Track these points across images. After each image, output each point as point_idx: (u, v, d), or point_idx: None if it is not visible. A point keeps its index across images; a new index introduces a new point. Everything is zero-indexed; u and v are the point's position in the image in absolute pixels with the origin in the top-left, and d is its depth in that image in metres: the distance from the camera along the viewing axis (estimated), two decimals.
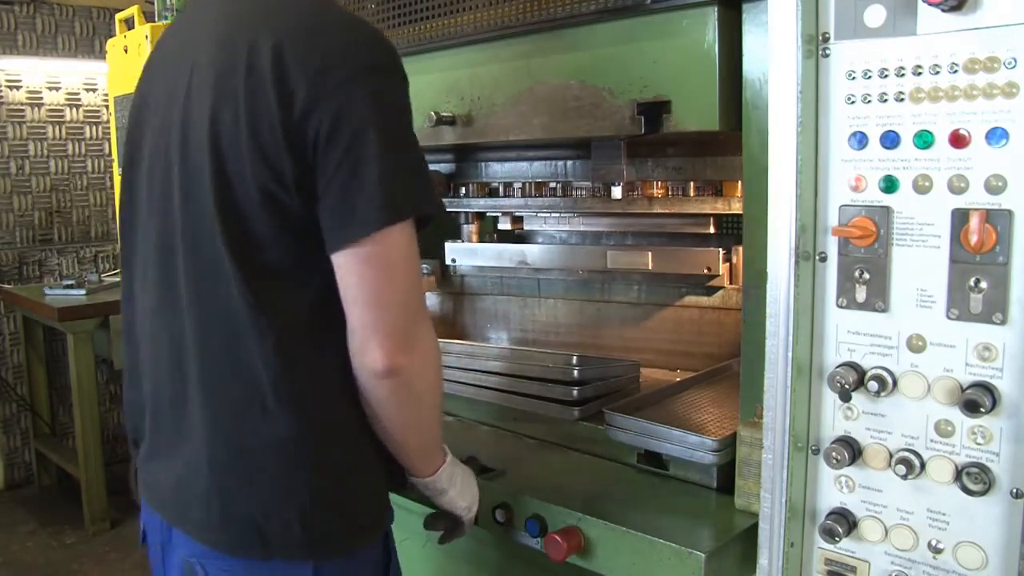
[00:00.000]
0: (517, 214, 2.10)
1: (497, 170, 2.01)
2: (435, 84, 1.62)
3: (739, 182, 1.63)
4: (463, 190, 2.07)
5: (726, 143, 1.59)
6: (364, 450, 1.16)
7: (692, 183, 1.74)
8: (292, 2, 1.11)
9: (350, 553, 1.16)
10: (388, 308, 1.06)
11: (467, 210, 2.11)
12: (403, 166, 1.05)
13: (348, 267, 1.05)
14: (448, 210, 2.12)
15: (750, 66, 1.20)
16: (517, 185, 1.99)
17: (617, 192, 1.78)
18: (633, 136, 1.41)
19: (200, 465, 1.12)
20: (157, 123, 1.17)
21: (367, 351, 1.06)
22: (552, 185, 1.94)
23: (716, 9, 1.22)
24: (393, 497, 1.47)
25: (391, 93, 1.06)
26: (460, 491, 1.31)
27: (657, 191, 1.79)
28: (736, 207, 1.65)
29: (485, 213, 2.15)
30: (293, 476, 1.10)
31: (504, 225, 2.15)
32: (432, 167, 2.06)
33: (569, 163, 1.88)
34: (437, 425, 1.25)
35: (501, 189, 2.03)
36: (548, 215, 2.04)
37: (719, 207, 1.70)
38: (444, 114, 1.58)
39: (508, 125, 1.52)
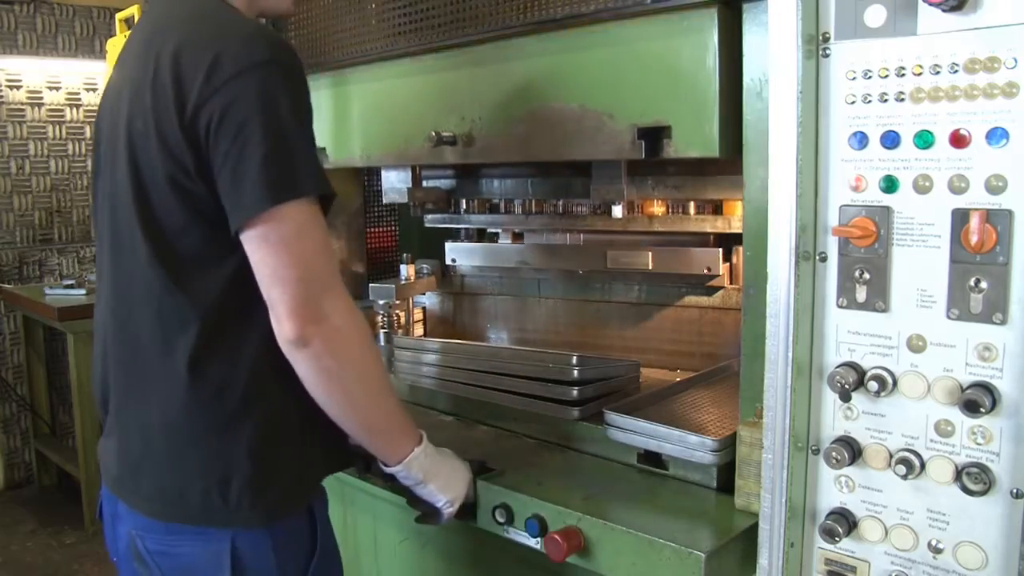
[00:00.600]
0: (518, 230, 2.10)
1: (498, 187, 2.01)
2: (436, 104, 1.62)
3: (739, 201, 1.63)
4: (463, 205, 2.07)
5: (727, 162, 1.59)
6: (288, 427, 1.22)
7: (692, 203, 1.74)
8: (195, 13, 1.20)
9: (267, 523, 1.21)
10: (292, 283, 1.12)
11: (467, 226, 2.11)
12: (285, 151, 1.12)
13: (250, 249, 1.13)
14: (448, 226, 2.13)
15: (750, 66, 1.19)
16: (518, 202, 1.99)
17: (618, 211, 1.78)
18: (634, 160, 1.41)
19: (133, 440, 1.24)
20: (105, 137, 1.27)
21: (280, 324, 1.13)
22: (552, 202, 1.94)
23: (716, 33, 1.22)
24: (392, 498, 1.47)
25: (276, 86, 1.12)
26: (443, 485, 1.32)
27: (657, 208, 1.79)
28: (736, 226, 1.66)
29: (486, 229, 2.15)
30: (211, 448, 1.19)
31: (505, 240, 2.15)
32: (432, 183, 2.06)
33: (570, 180, 1.87)
34: (383, 407, 1.26)
35: (502, 205, 2.03)
36: (548, 231, 2.03)
37: (719, 225, 1.70)
38: (445, 134, 1.58)
39: (508, 146, 1.52)
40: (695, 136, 1.27)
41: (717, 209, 1.71)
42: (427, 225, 2.15)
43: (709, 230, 1.73)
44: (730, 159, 1.25)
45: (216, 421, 1.18)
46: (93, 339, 1.37)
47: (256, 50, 1.12)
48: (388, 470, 1.30)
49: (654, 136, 1.32)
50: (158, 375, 1.20)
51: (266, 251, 1.12)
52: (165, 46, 1.14)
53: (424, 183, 2.02)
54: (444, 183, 2.07)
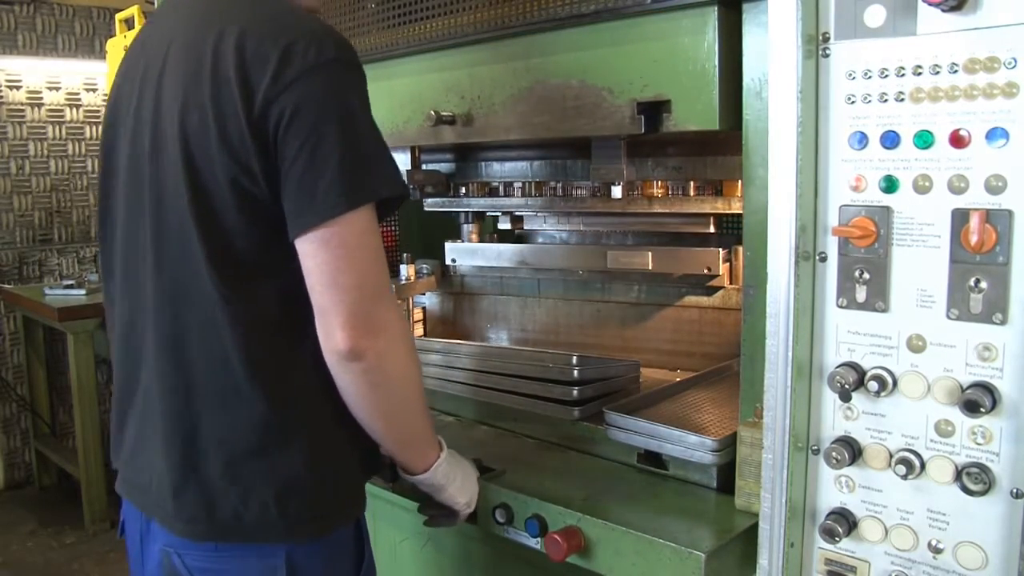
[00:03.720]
0: (517, 213, 2.10)
1: (497, 170, 2.00)
2: (435, 83, 1.62)
3: (739, 181, 1.63)
4: (463, 190, 2.06)
5: (726, 142, 1.59)
6: (337, 437, 1.19)
7: (692, 183, 1.74)
8: (251, 3, 1.15)
9: (323, 535, 1.18)
10: (348, 291, 1.08)
11: (467, 210, 2.11)
12: (361, 152, 1.08)
13: (308, 252, 1.08)
14: (448, 210, 2.13)
15: (750, 66, 1.20)
16: (517, 185, 1.99)
17: (617, 192, 1.78)
18: (633, 135, 1.41)
19: (173, 457, 1.16)
20: (130, 130, 1.21)
21: (330, 335, 1.09)
22: (552, 184, 1.94)
23: (716, 9, 1.22)
24: (392, 498, 1.47)
25: (347, 84, 1.10)
26: (460, 487, 1.32)
27: (657, 190, 1.79)
28: (736, 207, 1.65)
29: (485, 213, 2.15)
30: (268, 459, 1.14)
31: (504, 225, 2.15)
32: (432, 167, 2.06)
33: (569, 162, 1.87)
34: (420, 418, 1.25)
35: (501, 188, 2.03)
36: (548, 214, 2.04)
37: (719, 206, 1.69)
38: (444, 113, 1.58)
39: (508, 124, 1.52)
40: (695, 109, 1.27)
41: (717, 191, 1.71)
42: (427, 209, 2.14)
43: (709, 210, 1.72)
44: (730, 132, 1.25)
45: (273, 435, 1.13)
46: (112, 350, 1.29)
47: (325, 47, 1.08)
48: (412, 479, 1.28)
49: (654, 110, 1.31)
50: (209, 389, 1.14)
51: (325, 256, 1.07)
52: (224, 36, 1.09)
53: (424, 167, 2.02)
54: (444, 167, 2.07)
